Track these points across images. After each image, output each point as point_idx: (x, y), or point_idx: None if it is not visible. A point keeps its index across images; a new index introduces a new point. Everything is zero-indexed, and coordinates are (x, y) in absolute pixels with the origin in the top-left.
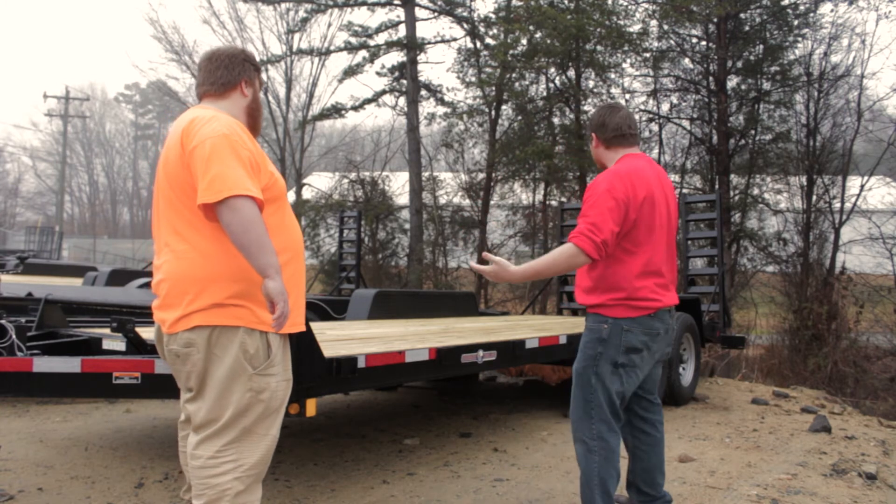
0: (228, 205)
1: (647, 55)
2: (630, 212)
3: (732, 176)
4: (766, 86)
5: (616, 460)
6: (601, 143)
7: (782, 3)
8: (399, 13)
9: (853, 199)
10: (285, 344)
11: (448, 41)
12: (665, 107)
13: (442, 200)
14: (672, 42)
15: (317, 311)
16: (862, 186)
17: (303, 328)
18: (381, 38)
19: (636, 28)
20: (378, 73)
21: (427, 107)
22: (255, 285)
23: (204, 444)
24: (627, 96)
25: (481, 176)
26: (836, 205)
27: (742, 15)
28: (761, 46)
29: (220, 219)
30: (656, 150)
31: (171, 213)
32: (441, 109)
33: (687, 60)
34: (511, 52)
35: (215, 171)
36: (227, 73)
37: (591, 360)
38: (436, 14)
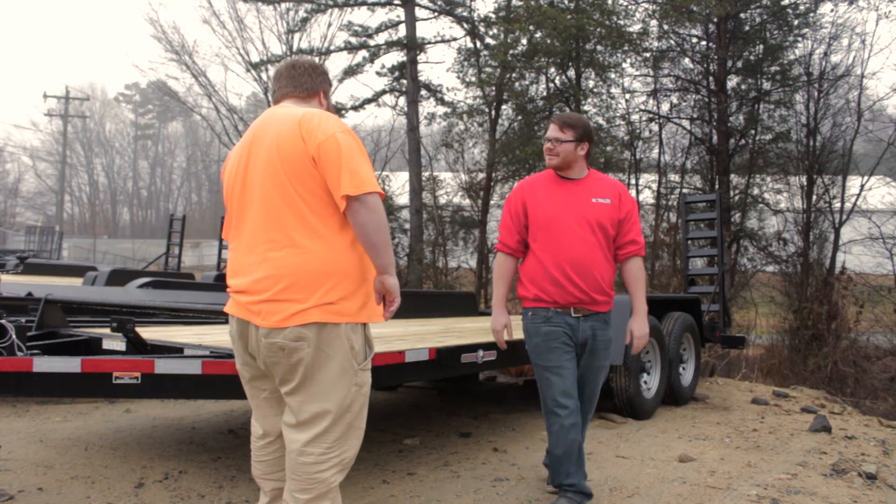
0: (366, 202)
1: (647, 55)
2: None
3: (732, 176)
4: (766, 86)
5: None
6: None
7: (782, 3)
8: (399, 13)
9: (853, 199)
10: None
11: (448, 41)
12: (665, 107)
13: (442, 200)
14: (672, 42)
15: None
16: (862, 186)
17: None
18: (381, 38)
19: (636, 28)
20: (378, 73)
21: (427, 107)
22: (368, 281)
23: (315, 442)
24: (627, 96)
25: (481, 176)
26: (836, 205)
27: (742, 15)
28: (761, 46)
29: (353, 214)
30: (656, 150)
31: (284, 206)
32: (441, 109)
33: (687, 60)
34: (511, 52)
35: (353, 166)
36: (311, 80)
37: None
38: (436, 14)
